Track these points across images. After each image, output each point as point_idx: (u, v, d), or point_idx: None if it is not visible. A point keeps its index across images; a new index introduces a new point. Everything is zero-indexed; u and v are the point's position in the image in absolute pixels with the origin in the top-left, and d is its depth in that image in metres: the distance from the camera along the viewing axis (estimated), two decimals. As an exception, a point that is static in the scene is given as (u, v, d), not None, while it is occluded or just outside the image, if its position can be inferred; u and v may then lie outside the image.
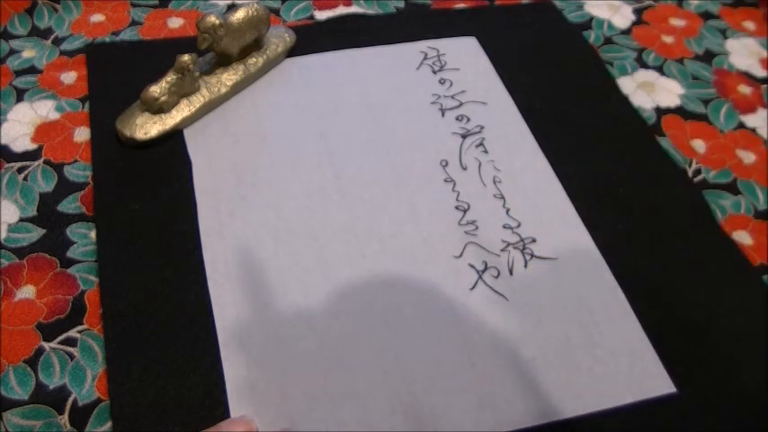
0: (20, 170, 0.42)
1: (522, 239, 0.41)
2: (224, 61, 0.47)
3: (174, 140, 0.44)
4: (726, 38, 0.57)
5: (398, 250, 0.40)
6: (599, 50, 0.54)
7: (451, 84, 0.49)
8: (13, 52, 0.49)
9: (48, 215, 0.40)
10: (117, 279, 0.37)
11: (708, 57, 0.55)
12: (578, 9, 0.58)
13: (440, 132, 0.46)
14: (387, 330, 0.36)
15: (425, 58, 0.51)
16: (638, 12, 0.59)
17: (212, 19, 0.44)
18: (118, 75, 0.47)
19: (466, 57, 0.52)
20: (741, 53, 0.56)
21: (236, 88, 0.47)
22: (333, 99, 0.48)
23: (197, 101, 0.45)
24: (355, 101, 0.48)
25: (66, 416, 0.32)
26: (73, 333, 0.35)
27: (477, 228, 0.41)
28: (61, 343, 0.35)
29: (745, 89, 0.53)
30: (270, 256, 0.39)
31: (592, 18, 0.57)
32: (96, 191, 0.41)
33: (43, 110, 0.45)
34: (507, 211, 0.42)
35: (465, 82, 0.50)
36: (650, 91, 0.52)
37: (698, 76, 0.53)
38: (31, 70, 0.48)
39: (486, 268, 0.39)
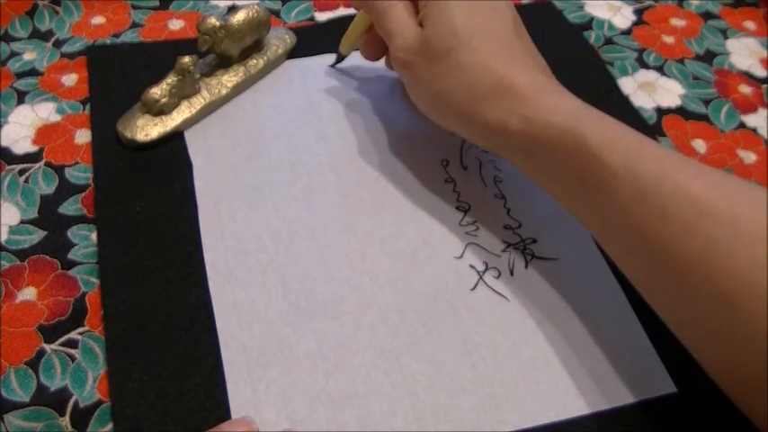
0: (21, 172, 0.42)
1: (522, 240, 0.41)
2: (224, 63, 0.47)
3: (174, 142, 0.44)
4: (726, 38, 0.57)
5: (399, 251, 0.40)
6: (599, 51, 0.55)
7: (452, 84, 0.49)
8: (13, 54, 0.49)
9: (49, 217, 0.40)
10: (118, 281, 0.37)
11: (708, 57, 0.55)
12: (579, 9, 0.58)
13: (440, 132, 0.46)
14: (387, 331, 0.36)
15: (426, 59, 0.51)
16: (638, 12, 0.59)
17: (213, 21, 0.44)
18: (118, 77, 0.47)
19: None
20: (742, 53, 0.56)
21: (237, 90, 0.47)
22: (333, 100, 0.48)
23: (197, 102, 0.45)
24: (355, 102, 0.48)
25: (67, 417, 0.32)
26: (74, 335, 0.35)
27: (477, 228, 0.41)
28: (62, 345, 0.35)
29: (745, 89, 0.53)
30: (271, 257, 0.39)
31: (592, 18, 0.57)
32: (97, 192, 0.41)
33: (44, 112, 0.45)
34: (508, 211, 0.42)
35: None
36: (651, 91, 0.52)
37: (698, 76, 0.53)
38: (32, 72, 0.48)
39: (486, 269, 0.39)
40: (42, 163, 0.43)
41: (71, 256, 0.38)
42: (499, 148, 0.38)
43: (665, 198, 0.30)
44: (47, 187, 0.41)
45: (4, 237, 0.39)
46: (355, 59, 0.50)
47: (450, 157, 0.45)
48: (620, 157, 0.32)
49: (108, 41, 0.51)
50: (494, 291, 0.38)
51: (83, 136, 0.44)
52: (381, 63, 0.47)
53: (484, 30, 0.37)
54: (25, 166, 0.42)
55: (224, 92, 0.46)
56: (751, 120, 0.50)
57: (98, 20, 0.52)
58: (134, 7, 0.54)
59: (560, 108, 0.34)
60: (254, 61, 0.48)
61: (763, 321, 0.27)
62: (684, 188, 0.30)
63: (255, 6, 0.47)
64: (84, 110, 0.46)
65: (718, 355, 0.30)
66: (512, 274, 0.39)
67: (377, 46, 0.44)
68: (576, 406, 0.34)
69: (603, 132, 0.33)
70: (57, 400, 0.33)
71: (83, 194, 0.41)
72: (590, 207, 0.34)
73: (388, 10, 0.40)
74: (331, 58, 0.50)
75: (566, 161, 0.34)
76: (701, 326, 0.30)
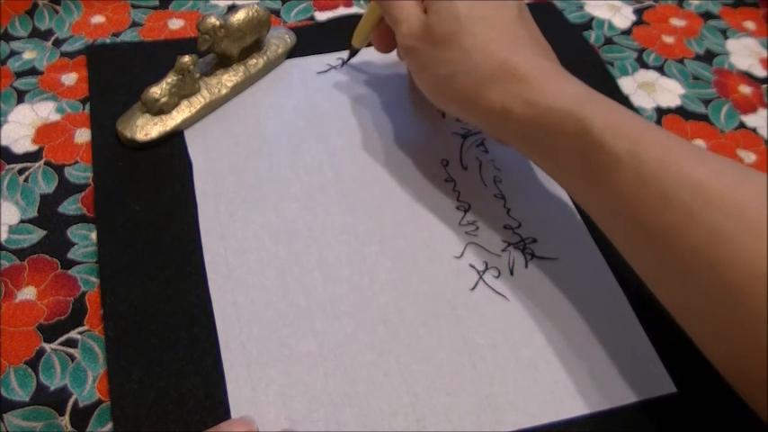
0: (20, 171, 0.42)
1: (522, 239, 0.41)
2: (224, 62, 0.47)
3: (174, 142, 0.44)
4: (726, 38, 0.57)
5: (399, 251, 0.40)
6: (599, 51, 0.55)
7: (452, 84, 0.49)
8: (13, 54, 0.49)
9: (48, 216, 0.40)
10: (118, 280, 0.37)
11: (708, 57, 0.55)
12: (579, 9, 0.58)
13: (440, 132, 0.46)
14: (387, 331, 0.36)
15: (426, 59, 0.51)
16: (638, 12, 0.59)
17: (213, 20, 0.44)
18: (118, 76, 0.47)
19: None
20: (741, 53, 0.56)
21: (237, 89, 0.47)
22: (333, 100, 0.48)
23: (197, 102, 0.45)
24: (355, 102, 0.48)
25: (66, 417, 0.32)
26: (74, 334, 0.35)
27: (477, 228, 0.41)
28: (62, 344, 0.35)
29: (745, 89, 0.53)
30: (270, 257, 0.39)
31: (592, 18, 0.57)
32: (97, 192, 0.41)
33: (44, 111, 0.45)
34: (508, 211, 0.42)
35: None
36: (651, 91, 0.52)
37: (698, 76, 0.53)
38: (32, 72, 0.48)
39: (486, 268, 0.39)
40: (42, 162, 0.43)
41: (71, 255, 0.38)
42: (502, 133, 0.37)
43: (669, 185, 0.30)
44: (46, 187, 0.41)
45: (4, 236, 0.39)
46: (356, 60, 0.50)
47: (450, 157, 0.45)
48: (624, 143, 0.31)
49: (108, 41, 0.51)
50: (494, 290, 0.38)
51: (82, 135, 0.44)
52: (380, 64, 0.47)
53: (487, 15, 0.37)
54: (25, 165, 0.42)
55: (224, 91, 0.46)
56: (751, 120, 0.50)
57: (98, 19, 0.52)
58: (134, 6, 0.54)
59: (564, 92, 0.34)
60: (254, 61, 0.48)
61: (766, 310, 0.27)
62: (688, 175, 0.30)
63: (255, 6, 0.47)
64: (83, 109, 0.46)
65: (722, 344, 0.30)
66: (512, 273, 0.39)
67: (388, 38, 0.44)
68: (575, 406, 0.34)
69: (607, 117, 0.33)
70: (56, 400, 0.33)
71: (82, 194, 0.41)
72: (593, 192, 0.34)
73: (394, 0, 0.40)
74: (331, 57, 0.50)
75: (569, 146, 0.34)
76: (705, 315, 0.30)
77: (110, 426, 0.32)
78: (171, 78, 0.43)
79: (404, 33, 0.39)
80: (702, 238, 0.29)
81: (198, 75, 0.45)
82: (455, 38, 0.37)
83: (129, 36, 0.51)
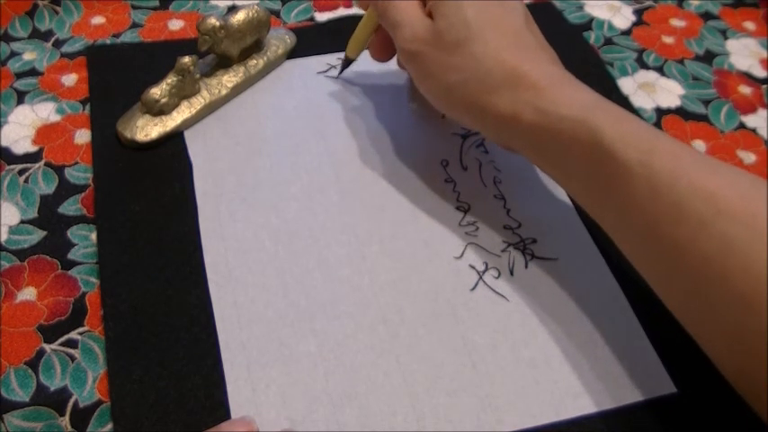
0: (21, 172, 0.42)
1: (522, 240, 0.41)
2: (224, 63, 0.47)
3: (174, 142, 0.44)
4: (726, 38, 0.57)
5: (399, 251, 0.40)
6: (599, 51, 0.55)
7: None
8: (13, 54, 0.49)
9: (48, 217, 0.40)
10: (118, 281, 0.37)
11: (708, 57, 0.55)
12: (578, 10, 0.58)
13: (440, 133, 0.46)
14: (387, 331, 0.36)
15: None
16: (638, 12, 0.59)
17: (213, 21, 0.44)
18: (118, 77, 0.47)
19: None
20: (741, 53, 0.56)
21: (237, 90, 0.47)
22: (333, 100, 0.48)
23: (197, 102, 0.45)
24: (355, 102, 0.48)
25: (67, 417, 0.32)
26: (74, 335, 0.35)
27: (477, 228, 0.41)
28: (62, 345, 0.35)
29: (745, 89, 0.53)
30: (270, 258, 0.39)
31: (592, 19, 0.57)
32: (97, 193, 0.41)
33: (44, 112, 0.45)
34: (508, 211, 0.42)
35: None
36: (651, 91, 0.52)
37: (698, 76, 0.53)
38: (32, 72, 0.48)
39: (486, 269, 0.39)
40: (42, 163, 0.43)
41: (71, 256, 0.38)
42: (511, 141, 0.37)
43: (681, 195, 0.30)
44: (47, 187, 0.41)
45: (4, 237, 0.39)
46: (356, 61, 0.50)
47: (450, 157, 0.45)
48: (635, 153, 0.31)
49: (108, 41, 0.51)
50: (493, 291, 0.38)
51: (83, 136, 0.44)
52: (380, 65, 0.47)
53: (496, 22, 0.37)
54: (25, 166, 0.42)
55: (224, 92, 0.46)
56: (751, 120, 0.50)
57: (98, 20, 0.52)
58: (134, 7, 0.54)
59: (574, 100, 0.34)
60: (254, 61, 0.48)
61: None
62: (700, 185, 0.30)
63: (255, 6, 0.47)
64: (84, 110, 0.46)
65: (733, 353, 0.30)
66: (512, 274, 0.39)
67: (387, 45, 0.43)
68: (575, 406, 0.34)
69: (618, 126, 0.32)
70: (56, 400, 0.33)
71: (83, 194, 0.41)
72: (603, 202, 0.34)
73: (394, 2, 0.39)
74: (332, 58, 0.50)
75: (579, 155, 0.33)
76: (715, 324, 0.30)
77: (110, 426, 0.32)
78: (171, 79, 0.43)
79: (407, 38, 0.38)
80: (715, 248, 0.29)
81: (198, 75, 0.45)
82: (465, 44, 0.36)
83: (129, 37, 0.51)
